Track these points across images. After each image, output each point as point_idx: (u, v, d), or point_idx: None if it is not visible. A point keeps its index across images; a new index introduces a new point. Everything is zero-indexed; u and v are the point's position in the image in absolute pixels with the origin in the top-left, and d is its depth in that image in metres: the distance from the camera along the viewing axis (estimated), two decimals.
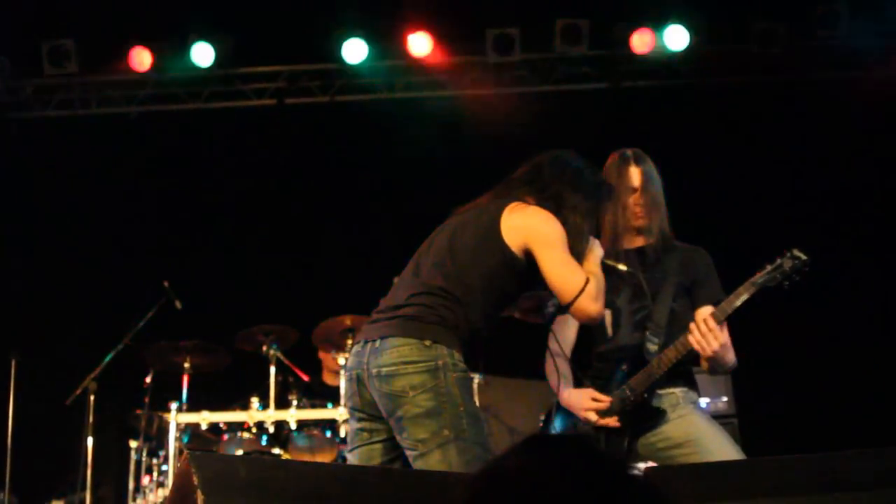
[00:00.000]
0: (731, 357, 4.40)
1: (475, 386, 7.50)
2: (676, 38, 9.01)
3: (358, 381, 3.95)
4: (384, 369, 3.81)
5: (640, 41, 9.09)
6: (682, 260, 4.62)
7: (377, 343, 3.88)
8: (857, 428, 8.19)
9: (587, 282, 3.94)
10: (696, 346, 4.29)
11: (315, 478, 2.75)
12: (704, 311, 4.46)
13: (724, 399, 7.68)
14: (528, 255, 3.96)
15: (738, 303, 4.30)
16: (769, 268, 4.32)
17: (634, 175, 4.61)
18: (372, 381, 3.85)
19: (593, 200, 4.16)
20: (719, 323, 4.32)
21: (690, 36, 9.00)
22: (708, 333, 4.26)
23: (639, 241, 4.67)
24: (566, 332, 4.63)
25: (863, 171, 8.97)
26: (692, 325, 4.31)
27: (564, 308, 4.00)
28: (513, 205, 4.03)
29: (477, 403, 7.41)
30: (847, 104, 8.94)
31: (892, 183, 8.98)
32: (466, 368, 3.87)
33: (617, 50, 9.28)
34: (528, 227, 3.95)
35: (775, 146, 9.10)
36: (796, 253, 4.32)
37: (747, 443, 7.52)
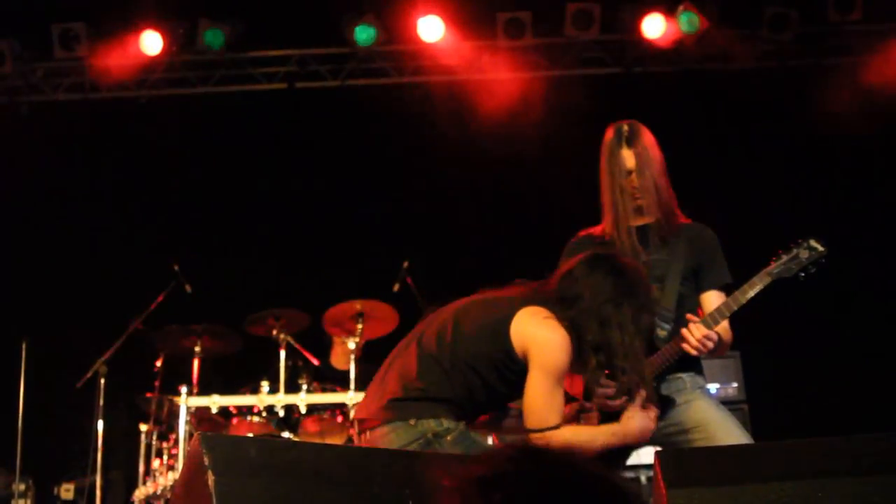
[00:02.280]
0: (727, 343, 4.36)
1: None
2: (688, 22, 8.95)
3: None
4: None
5: (652, 26, 9.04)
6: (688, 241, 4.56)
7: (368, 435, 3.85)
8: (868, 413, 8.19)
9: (555, 428, 3.80)
10: (693, 353, 4.25)
11: (324, 459, 2.76)
12: (712, 297, 4.44)
13: (734, 385, 7.68)
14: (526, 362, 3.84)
15: (752, 293, 4.25)
16: (785, 257, 4.26)
17: (628, 157, 4.54)
18: None
19: (639, 309, 3.90)
20: (730, 313, 4.30)
21: (702, 20, 8.94)
22: (702, 342, 4.22)
23: (642, 220, 4.60)
24: None
25: (876, 156, 8.94)
26: (685, 333, 4.24)
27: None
28: (534, 309, 3.85)
29: None
30: (860, 89, 8.91)
31: None
32: (461, 424, 3.80)
33: (628, 34, 9.24)
34: (535, 340, 3.78)
35: (787, 131, 9.08)
36: (813, 243, 4.27)
37: (757, 429, 7.53)
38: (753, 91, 9.13)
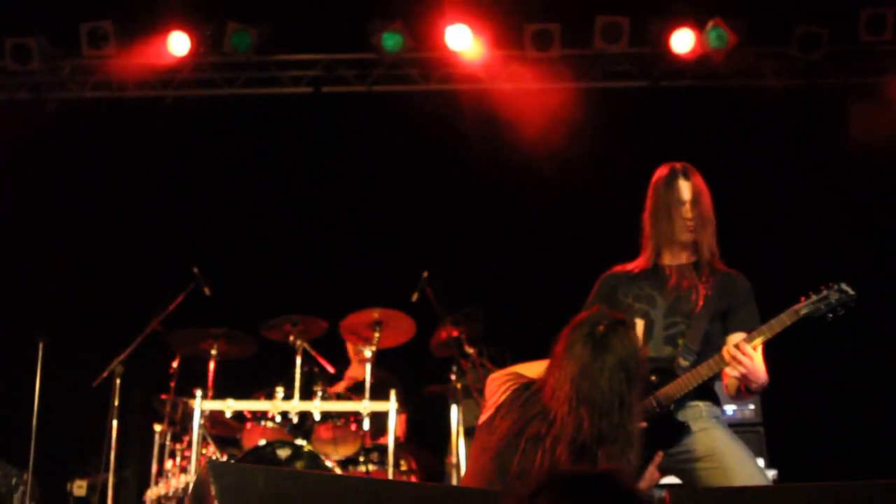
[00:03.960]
0: (762, 376, 4.31)
1: None
2: (717, 38, 8.90)
3: None
4: None
5: (681, 40, 9.00)
6: (722, 284, 4.59)
7: None
8: (886, 436, 8.14)
9: None
10: (733, 373, 4.23)
11: (332, 491, 2.73)
12: (736, 338, 4.42)
13: (751, 407, 7.61)
14: None
15: (779, 329, 4.28)
16: (814, 297, 4.30)
17: (685, 188, 4.62)
18: None
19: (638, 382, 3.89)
20: (753, 342, 4.29)
21: (731, 36, 8.89)
22: (742, 357, 4.19)
23: (683, 257, 4.67)
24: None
25: None
26: (725, 351, 4.25)
27: None
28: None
29: None
30: (890, 110, 8.85)
31: None
32: None
33: (657, 48, 9.19)
34: None
35: (814, 150, 9.02)
36: (844, 287, 4.30)
37: (773, 452, 7.47)
38: (781, 109, 9.07)
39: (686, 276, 4.61)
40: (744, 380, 4.27)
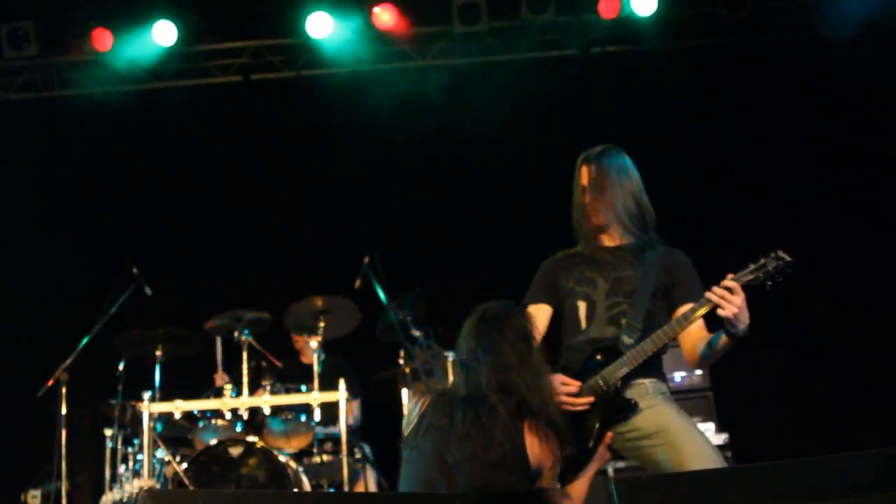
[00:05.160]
0: (747, 316, 4.22)
1: (449, 365, 7.45)
2: (644, 2, 8.90)
3: None
4: None
5: (608, 6, 8.99)
6: (661, 261, 4.56)
7: None
8: (831, 400, 8.23)
9: None
10: (725, 314, 4.14)
11: None
12: (685, 309, 4.41)
13: (699, 372, 7.67)
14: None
15: None
16: (752, 266, 4.26)
17: (583, 174, 4.63)
18: None
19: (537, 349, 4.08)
20: (698, 317, 4.31)
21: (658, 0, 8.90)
22: (730, 295, 4.12)
23: (612, 240, 4.64)
24: (536, 321, 4.53)
25: (833, 130, 8.93)
26: (709, 294, 4.18)
27: None
28: (529, 430, 3.92)
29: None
30: (816, 65, 8.92)
31: (861, 142, 8.93)
32: None
33: (585, 16, 9.17)
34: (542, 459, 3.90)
35: (745, 109, 9.07)
36: (781, 254, 4.25)
37: (724, 415, 7.54)
38: (712, 69, 9.11)
39: (624, 257, 4.58)
40: (733, 320, 4.15)
